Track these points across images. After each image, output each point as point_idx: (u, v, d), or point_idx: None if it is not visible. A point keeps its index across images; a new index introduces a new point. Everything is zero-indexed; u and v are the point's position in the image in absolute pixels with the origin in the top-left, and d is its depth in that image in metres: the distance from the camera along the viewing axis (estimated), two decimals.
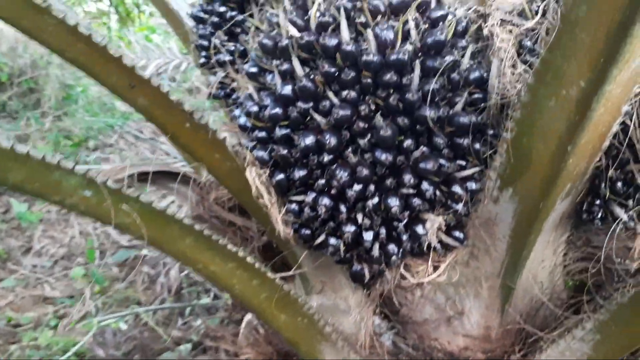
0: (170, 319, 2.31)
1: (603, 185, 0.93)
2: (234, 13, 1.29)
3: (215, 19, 1.33)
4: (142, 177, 1.34)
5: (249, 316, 1.51)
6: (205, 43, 1.37)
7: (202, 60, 1.41)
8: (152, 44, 5.24)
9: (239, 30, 1.31)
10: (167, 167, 1.40)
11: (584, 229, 1.10)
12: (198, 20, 1.39)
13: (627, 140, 0.86)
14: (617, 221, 0.92)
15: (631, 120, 0.84)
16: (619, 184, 0.91)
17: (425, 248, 1.04)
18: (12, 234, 3.00)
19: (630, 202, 0.92)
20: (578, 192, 0.97)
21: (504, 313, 1.13)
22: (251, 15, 1.28)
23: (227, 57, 1.33)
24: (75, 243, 2.95)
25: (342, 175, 0.91)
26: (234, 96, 1.35)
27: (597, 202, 0.96)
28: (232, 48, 1.32)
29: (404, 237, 1.00)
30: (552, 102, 0.79)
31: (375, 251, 1.01)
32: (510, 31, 0.91)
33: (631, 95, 0.80)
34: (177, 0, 1.52)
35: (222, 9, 1.31)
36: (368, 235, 0.99)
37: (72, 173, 0.71)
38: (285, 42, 0.92)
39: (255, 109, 0.98)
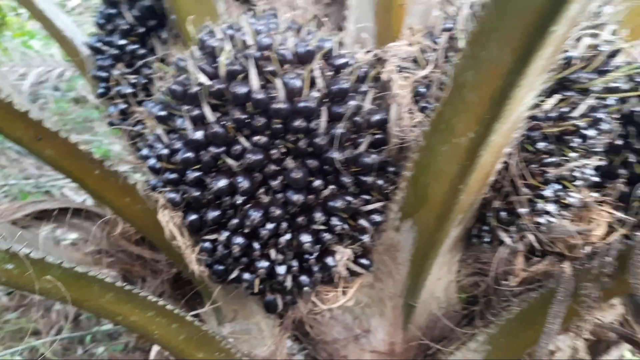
0: (69, 349, 2.21)
1: (490, 214, 1.04)
2: (135, 47, 1.28)
3: (114, 51, 1.31)
4: (41, 214, 1.28)
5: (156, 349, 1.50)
6: (104, 74, 1.35)
7: (101, 90, 1.38)
8: (32, 50, 4.91)
9: (140, 62, 1.30)
10: (69, 203, 1.35)
11: (473, 248, 1.22)
12: (96, 50, 1.36)
13: (508, 176, 0.98)
14: (502, 244, 1.03)
15: (511, 160, 0.95)
16: (503, 213, 1.02)
17: (334, 276, 1.11)
18: None
19: (513, 228, 1.04)
20: (468, 220, 1.08)
21: (406, 329, 1.23)
22: (153, 50, 1.28)
23: (129, 90, 1.32)
24: None
25: (255, 215, 0.95)
26: (137, 127, 1.34)
27: (485, 228, 1.07)
28: (134, 80, 1.31)
29: (315, 269, 1.06)
30: (445, 148, 0.88)
31: (288, 283, 1.06)
32: (406, 78, 1.00)
33: (511, 140, 0.91)
34: (71, 28, 1.47)
35: (123, 41, 1.29)
36: (281, 269, 1.04)
37: None
38: (195, 88, 0.94)
39: (165, 151, 0.99)
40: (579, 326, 1.00)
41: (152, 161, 1.03)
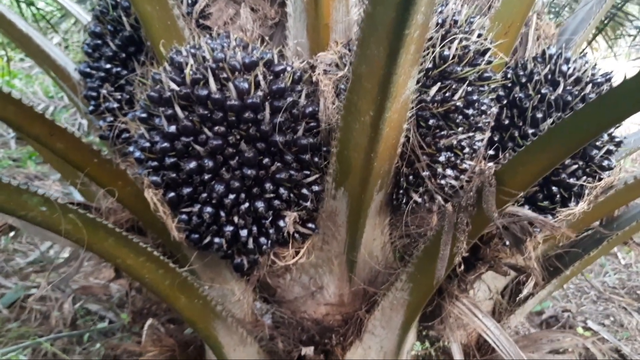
0: (68, 349, 2.45)
1: (402, 179, 1.34)
2: (118, 69, 1.58)
3: (101, 74, 1.61)
4: None
5: (149, 321, 1.76)
6: (94, 94, 1.64)
7: (92, 108, 1.67)
8: (15, 89, 5.17)
9: (123, 82, 1.60)
10: (65, 199, 1.62)
11: (400, 214, 1.52)
12: (85, 75, 1.65)
13: (410, 148, 1.29)
14: (411, 201, 1.34)
15: (410, 134, 1.26)
16: (411, 177, 1.33)
17: (287, 238, 1.40)
18: None
19: (420, 189, 1.34)
20: (388, 186, 1.38)
21: (351, 281, 1.52)
22: (133, 70, 1.57)
23: (115, 105, 1.61)
24: None
25: (220, 188, 1.24)
26: (123, 136, 1.62)
27: (400, 191, 1.37)
28: (119, 97, 1.60)
29: (271, 231, 1.35)
30: (357, 126, 1.19)
31: (250, 244, 1.35)
32: (330, 78, 1.31)
33: (407, 118, 1.22)
34: (63, 58, 1.77)
35: (108, 65, 1.59)
36: (244, 233, 1.33)
37: (35, 194, 0.96)
38: (167, 94, 1.24)
39: (147, 144, 1.28)
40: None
41: (137, 154, 1.32)
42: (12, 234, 3.52)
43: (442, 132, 1.29)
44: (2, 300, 2.82)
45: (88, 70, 1.65)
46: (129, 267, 1.15)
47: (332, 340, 1.52)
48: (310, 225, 1.42)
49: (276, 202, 1.30)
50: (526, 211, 1.25)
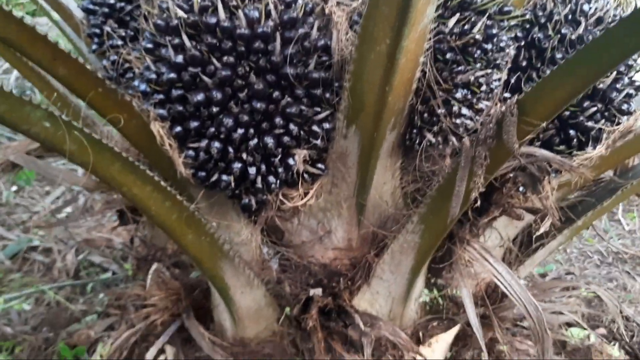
0: (71, 298, 2.45)
1: (416, 117, 1.30)
2: (122, 4, 1.52)
3: (105, 9, 1.55)
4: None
5: (154, 266, 1.74)
6: (97, 31, 1.59)
7: (95, 46, 1.62)
8: None
9: (127, 18, 1.54)
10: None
11: (412, 157, 1.48)
12: (89, 11, 1.60)
13: (426, 83, 1.24)
14: (425, 140, 1.30)
15: (427, 68, 1.21)
16: (425, 115, 1.28)
17: (296, 178, 1.37)
18: None
19: (435, 127, 1.30)
20: (400, 126, 1.34)
21: (360, 225, 1.49)
22: (138, 6, 1.52)
23: (119, 42, 1.56)
24: None
25: (228, 121, 1.20)
26: (127, 75, 1.58)
27: (414, 130, 1.33)
28: (123, 34, 1.55)
29: (280, 170, 1.32)
30: (372, 56, 1.14)
31: (259, 183, 1.31)
32: (343, 10, 1.25)
33: (424, 50, 1.17)
34: None
35: (112, 1, 1.53)
36: (252, 170, 1.29)
37: (38, 107, 0.93)
38: (175, 22, 1.19)
39: (153, 76, 1.23)
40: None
41: (142, 87, 1.27)
42: (14, 188, 3.51)
43: (460, 67, 1.24)
44: (4, 252, 2.81)
45: (91, 6, 1.60)
46: (135, 197, 1.12)
47: (340, 285, 1.50)
48: (319, 165, 1.38)
49: (286, 138, 1.26)
50: (544, 151, 1.22)
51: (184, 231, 1.21)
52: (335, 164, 1.40)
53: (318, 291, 1.43)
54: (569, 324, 2.20)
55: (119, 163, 1.06)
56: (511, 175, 1.36)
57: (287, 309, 1.51)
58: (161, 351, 1.62)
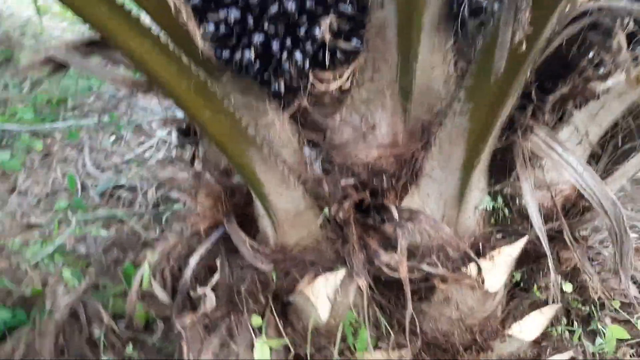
0: (148, 227, 2.50)
1: None
2: None
3: None
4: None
5: (206, 175, 1.69)
6: None
7: None
8: None
9: None
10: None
11: (465, 36, 1.28)
12: None
13: None
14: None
15: None
16: None
17: (329, 59, 1.23)
18: None
19: None
20: None
21: (406, 116, 1.32)
22: None
23: None
24: (58, 184, 3.12)
25: None
26: None
27: None
28: None
29: (307, 44, 1.19)
30: None
31: (284, 59, 1.19)
32: None
33: None
34: None
35: None
36: (275, 44, 1.18)
37: None
38: None
39: None
40: None
41: None
42: (113, 137, 3.68)
43: None
44: (97, 189, 2.95)
45: None
46: (133, 53, 1.03)
47: (383, 184, 1.35)
48: (354, 40, 1.23)
49: (308, 2, 1.13)
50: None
51: (198, 105, 1.12)
52: (375, 41, 1.24)
53: (350, 181, 1.29)
54: None
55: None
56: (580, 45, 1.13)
57: (326, 210, 1.38)
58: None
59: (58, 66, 1.51)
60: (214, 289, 1.58)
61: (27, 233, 2.62)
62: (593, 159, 1.47)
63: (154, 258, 1.68)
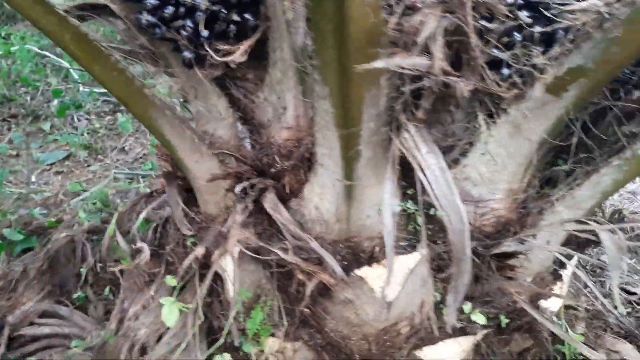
0: None
1: None
2: None
3: None
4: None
5: None
6: None
7: None
8: None
9: None
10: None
11: None
12: None
13: None
14: None
15: None
16: None
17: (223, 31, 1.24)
18: (112, 138, 3.65)
19: None
20: None
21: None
22: None
23: None
24: None
25: None
26: None
27: None
28: None
29: (196, 14, 1.21)
30: None
31: (178, 26, 1.24)
32: None
33: None
34: None
35: None
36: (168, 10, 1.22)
37: None
38: None
39: None
40: None
41: None
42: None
43: None
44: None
45: None
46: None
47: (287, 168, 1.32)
48: (247, 14, 1.22)
49: None
50: None
51: (85, 57, 1.19)
52: (275, 20, 1.22)
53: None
54: None
55: None
56: None
57: (237, 187, 1.38)
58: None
59: None
60: (158, 246, 1.68)
61: (107, 183, 2.98)
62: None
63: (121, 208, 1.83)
